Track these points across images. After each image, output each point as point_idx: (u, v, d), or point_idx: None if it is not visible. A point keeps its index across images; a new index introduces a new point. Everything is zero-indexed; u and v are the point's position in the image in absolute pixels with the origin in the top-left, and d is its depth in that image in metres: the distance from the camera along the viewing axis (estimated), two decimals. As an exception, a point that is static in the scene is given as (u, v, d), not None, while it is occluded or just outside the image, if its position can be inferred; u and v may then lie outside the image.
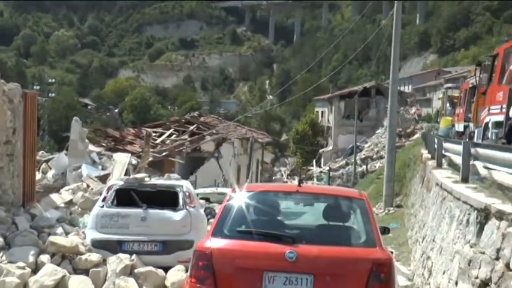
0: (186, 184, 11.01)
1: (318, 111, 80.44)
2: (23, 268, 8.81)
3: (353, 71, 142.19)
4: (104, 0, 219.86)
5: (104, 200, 10.30)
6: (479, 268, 7.43)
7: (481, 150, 9.92)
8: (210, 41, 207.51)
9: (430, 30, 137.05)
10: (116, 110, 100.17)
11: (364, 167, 48.84)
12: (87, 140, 17.13)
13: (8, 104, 11.41)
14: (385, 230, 7.86)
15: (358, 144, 51.22)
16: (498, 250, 6.97)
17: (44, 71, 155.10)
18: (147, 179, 10.93)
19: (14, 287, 8.40)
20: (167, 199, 10.27)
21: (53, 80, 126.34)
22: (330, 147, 65.34)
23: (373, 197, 30.51)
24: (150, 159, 24.91)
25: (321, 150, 66.46)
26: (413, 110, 67.43)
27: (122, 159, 15.47)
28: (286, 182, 51.62)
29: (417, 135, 43.00)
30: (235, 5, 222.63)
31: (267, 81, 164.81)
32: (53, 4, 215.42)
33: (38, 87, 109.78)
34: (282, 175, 65.04)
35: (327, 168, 54.38)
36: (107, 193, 10.45)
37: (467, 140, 15.17)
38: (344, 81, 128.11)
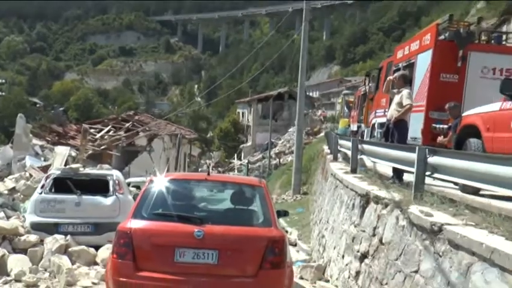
0: (116, 173, 10.90)
1: (239, 112, 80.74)
2: (-39, 247, 8.57)
3: (270, 79, 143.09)
4: (52, 11, 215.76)
5: (42, 187, 10.10)
6: (360, 243, 7.67)
7: (366, 146, 10.22)
8: (146, 50, 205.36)
9: (334, 45, 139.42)
10: (61, 109, 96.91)
11: (277, 160, 49.28)
12: (30, 135, 16.67)
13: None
14: (285, 213, 8.00)
15: (272, 140, 51.56)
16: (374, 228, 7.22)
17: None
18: (81, 169, 10.74)
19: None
20: (99, 186, 10.15)
21: (3, 81, 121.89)
22: (249, 143, 65.59)
23: (284, 185, 30.87)
24: (90, 152, 24.46)
25: (241, 146, 66.67)
26: (319, 112, 68.50)
27: (62, 151, 15.11)
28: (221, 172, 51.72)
29: (322, 134, 43.71)
30: (168, 18, 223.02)
31: (196, 86, 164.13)
32: (5, 12, 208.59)
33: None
34: (208, 167, 64.80)
35: (246, 161, 54.66)
36: (45, 181, 10.25)
37: (359, 138, 15.59)
38: (262, 87, 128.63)
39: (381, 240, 6.90)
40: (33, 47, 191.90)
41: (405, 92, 9.05)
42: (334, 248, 9.53)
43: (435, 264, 5.24)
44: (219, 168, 63.10)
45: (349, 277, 8.01)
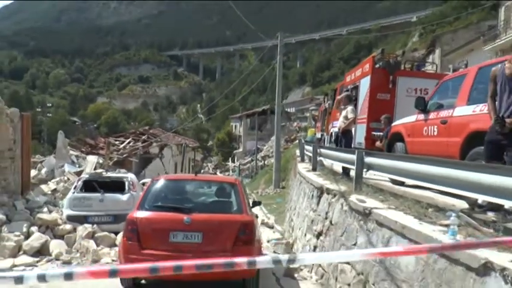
0: (130, 176, 10.96)
1: (232, 125, 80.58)
2: (18, 236, 8.60)
3: (256, 98, 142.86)
4: (86, 49, 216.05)
5: (75, 188, 10.16)
6: (317, 225, 7.80)
7: (322, 150, 10.34)
8: (159, 78, 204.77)
9: (306, 71, 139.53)
10: (94, 125, 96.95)
11: (263, 162, 49.27)
12: (68, 147, 16.67)
13: (10, 122, 11.04)
14: (259, 203, 8.17)
15: (259, 147, 51.42)
16: (326, 213, 7.36)
17: (45, 98, 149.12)
18: (104, 173, 10.84)
19: (12, 248, 8.22)
20: (118, 186, 10.21)
21: (51, 104, 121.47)
22: (241, 149, 65.39)
23: (267, 181, 30.78)
24: (115, 159, 24.43)
25: (234, 151, 66.47)
26: (295, 124, 68.42)
27: (92, 159, 15.14)
28: (214, 173, 51.67)
29: (296, 141, 43.73)
30: (176, 53, 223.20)
31: (198, 105, 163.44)
32: (51, 51, 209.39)
33: (39, 109, 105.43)
34: (209, 169, 64.77)
35: (238, 163, 54.61)
36: (77, 183, 10.32)
37: (320, 144, 15.70)
38: (250, 104, 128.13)
39: (331, 222, 7.04)
40: (72, 77, 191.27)
41: (349, 108, 9.24)
42: (299, 229, 9.65)
43: (367, 238, 5.43)
44: (218, 170, 63.18)
45: (309, 250, 8.17)
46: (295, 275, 7.29)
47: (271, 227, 13.35)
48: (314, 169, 10.54)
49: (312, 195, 8.88)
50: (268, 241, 10.51)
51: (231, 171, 55.79)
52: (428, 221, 4.54)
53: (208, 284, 6.26)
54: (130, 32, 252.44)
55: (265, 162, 48.85)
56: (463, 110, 5.85)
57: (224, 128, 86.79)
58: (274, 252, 9.50)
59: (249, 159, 55.48)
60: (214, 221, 5.96)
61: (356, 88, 11.52)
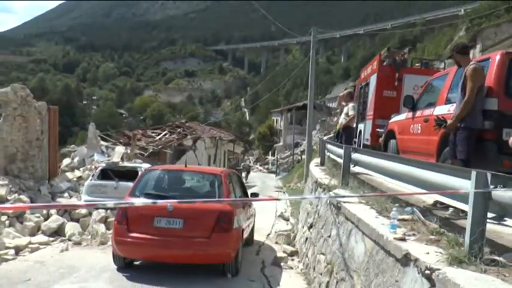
0: (144, 166, 11.36)
1: (274, 119, 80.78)
2: (38, 217, 9.30)
3: (300, 92, 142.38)
4: (134, 44, 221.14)
5: (92, 176, 10.80)
6: (311, 217, 8.07)
7: (328, 146, 10.55)
8: (205, 72, 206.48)
9: (350, 66, 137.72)
10: (141, 118, 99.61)
11: (301, 156, 49.34)
12: (99, 137, 17.42)
13: (38, 114, 11.84)
14: (256, 195, 8.49)
15: (298, 141, 51.55)
16: (317, 206, 7.61)
17: (95, 91, 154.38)
18: (120, 163, 11.41)
19: (31, 228, 8.91)
20: (131, 175, 10.50)
21: (96, 97, 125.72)
22: (281, 143, 65.50)
23: (300, 176, 30.96)
24: (150, 150, 25.19)
25: (275, 145, 66.81)
26: (335, 118, 67.88)
27: (119, 150, 15.75)
28: (248, 166, 52.26)
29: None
30: (221, 48, 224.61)
31: (242, 99, 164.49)
32: (101, 46, 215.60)
33: (85, 102, 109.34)
34: (250, 162, 65.38)
35: (276, 157, 54.89)
36: (95, 171, 10.96)
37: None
38: (293, 99, 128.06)
39: (318, 214, 7.29)
40: (121, 71, 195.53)
41: (350, 105, 9.38)
42: (300, 221, 9.92)
43: (336, 231, 5.66)
44: (258, 163, 63.64)
45: (302, 242, 8.43)
46: (282, 264, 7.57)
47: (287, 220, 13.63)
48: (322, 164, 10.71)
49: (312, 188, 9.12)
50: (276, 232, 10.84)
51: (270, 165, 56.22)
52: (385, 215, 4.71)
53: (191, 268, 6.66)
54: (177, 27, 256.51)
55: (303, 157, 48.83)
56: (441, 109, 5.94)
57: (266, 121, 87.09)
58: (276, 242, 9.81)
59: (288, 153, 55.62)
60: (195, 209, 6.29)
61: (368, 85, 11.59)
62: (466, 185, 3.36)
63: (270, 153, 64.89)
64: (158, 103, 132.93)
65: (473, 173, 3.21)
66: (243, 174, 43.87)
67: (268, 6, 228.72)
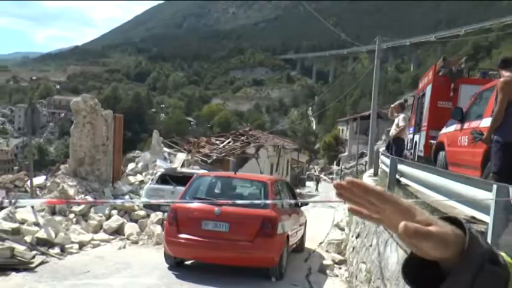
0: (200, 172, 11.82)
1: (339, 129, 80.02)
2: (101, 217, 10.01)
3: (367, 102, 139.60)
4: (204, 53, 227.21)
5: (152, 180, 11.43)
6: (358, 227, 8.12)
7: (382, 157, 10.52)
8: (273, 81, 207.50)
9: (420, 75, 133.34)
10: (208, 125, 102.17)
11: (365, 167, 48.60)
12: (162, 144, 18.20)
13: (104, 122, 12.72)
14: (306, 204, 8.67)
15: (363, 151, 50.82)
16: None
17: (164, 99, 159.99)
18: (178, 169, 11.96)
19: (94, 226, 9.61)
20: (188, 181, 11.22)
21: (164, 105, 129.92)
22: (346, 153, 64.85)
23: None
24: (214, 157, 25.88)
25: (340, 155, 66.22)
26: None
27: (180, 156, 16.47)
28: (318, 176, 52.30)
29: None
30: (290, 57, 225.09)
31: (310, 108, 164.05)
32: (172, 56, 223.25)
33: (153, 110, 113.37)
34: (315, 171, 65.29)
35: (342, 167, 54.42)
36: (155, 176, 11.58)
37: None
38: (361, 108, 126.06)
39: (364, 224, 7.35)
40: (190, 80, 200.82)
41: (401, 116, 9.33)
42: (351, 231, 9.95)
43: (376, 241, 5.75)
44: (322, 172, 63.38)
45: (351, 251, 8.50)
46: (328, 272, 7.69)
47: (342, 229, 13.62)
48: (375, 174, 10.69)
49: (362, 199, 9.12)
50: (328, 241, 10.95)
51: (334, 175, 55.82)
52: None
53: (237, 270, 6.95)
54: (246, 36, 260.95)
55: (367, 167, 48.04)
56: (487, 121, 5.88)
57: (332, 131, 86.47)
58: (327, 251, 9.92)
59: (353, 163, 54.93)
60: (240, 214, 6.62)
61: (424, 95, 11.43)
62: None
63: (334, 162, 64.39)
64: (226, 111, 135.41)
65: (495, 186, 3.28)
66: (313, 184, 43.85)
67: (339, 13, 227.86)
